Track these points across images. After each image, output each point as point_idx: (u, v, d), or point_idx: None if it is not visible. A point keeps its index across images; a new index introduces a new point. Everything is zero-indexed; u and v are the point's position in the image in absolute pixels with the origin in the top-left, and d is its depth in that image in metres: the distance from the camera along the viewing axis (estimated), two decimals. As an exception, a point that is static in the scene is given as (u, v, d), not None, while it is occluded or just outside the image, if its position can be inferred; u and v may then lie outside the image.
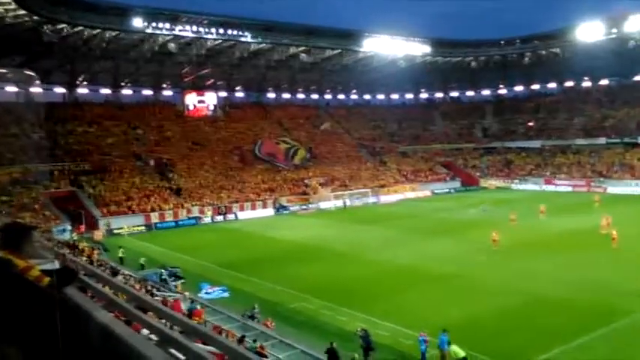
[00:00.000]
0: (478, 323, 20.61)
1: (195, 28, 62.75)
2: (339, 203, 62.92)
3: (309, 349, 17.42)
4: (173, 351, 4.60)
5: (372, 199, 66.28)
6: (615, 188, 62.47)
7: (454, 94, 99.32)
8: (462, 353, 16.56)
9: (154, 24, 59.79)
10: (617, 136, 72.30)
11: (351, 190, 67.32)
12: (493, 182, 75.70)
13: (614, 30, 69.38)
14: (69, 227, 45.47)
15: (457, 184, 77.86)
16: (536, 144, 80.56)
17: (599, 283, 25.04)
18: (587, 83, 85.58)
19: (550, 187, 68.98)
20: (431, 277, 28.30)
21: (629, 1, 66.42)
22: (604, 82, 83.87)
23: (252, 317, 20.57)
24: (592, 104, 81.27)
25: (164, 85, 77.53)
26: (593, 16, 72.03)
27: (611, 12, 71.09)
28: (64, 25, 55.62)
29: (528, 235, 38.24)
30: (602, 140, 73.38)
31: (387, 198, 67.49)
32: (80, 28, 57.10)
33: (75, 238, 41.35)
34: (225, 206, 58.24)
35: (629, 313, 20.75)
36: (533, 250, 33.13)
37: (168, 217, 54.47)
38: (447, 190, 74.36)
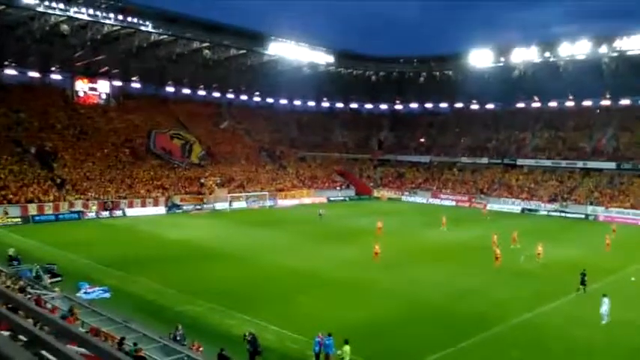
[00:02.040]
0: (362, 328, 21.18)
1: (92, 11, 59.13)
2: (238, 205, 62.34)
3: (193, 354, 16.90)
4: (44, 353, 4.21)
5: (269, 202, 66.25)
6: (495, 205, 67.52)
7: (354, 105, 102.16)
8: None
9: (46, 2, 55.57)
10: (498, 157, 78.40)
11: (248, 192, 66.81)
12: (385, 193, 78.86)
13: (502, 59, 75.26)
14: None
15: (352, 192, 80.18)
16: (425, 159, 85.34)
17: (476, 293, 26.90)
18: (475, 106, 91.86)
19: (436, 201, 73.28)
20: (321, 281, 28.75)
21: (516, 33, 72.27)
22: (490, 106, 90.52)
23: (175, 339, 19.15)
24: (478, 126, 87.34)
25: (53, 69, 72.08)
26: (484, 43, 77.80)
27: (500, 42, 77.33)
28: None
29: (415, 245, 40.26)
30: (485, 160, 79.20)
31: (284, 202, 67.84)
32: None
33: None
34: (112, 201, 55.30)
35: (502, 320, 22.40)
36: (419, 260, 34.87)
37: (48, 209, 50.73)
38: (342, 198, 76.35)
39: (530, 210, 65.22)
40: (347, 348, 17.16)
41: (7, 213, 47.23)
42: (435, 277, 30.19)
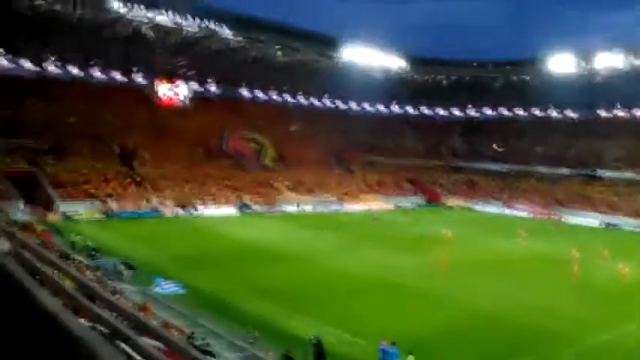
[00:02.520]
0: (424, 337, 20.77)
1: (172, 16, 61.84)
2: (306, 208, 63.00)
3: (259, 352, 17.25)
4: (119, 343, 4.42)
5: (336, 207, 66.45)
6: (573, 218, 64.29)
7: (426, 110, 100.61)
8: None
9: (130, 5, 58.60)
10: (578, 167, 74.62)
11: (316, 195, 67.34)
12: (456, 201, 76.89)
13: (584, 64, 71.76)
14: (21, 207, 43.97)
15: (420, 200, 78.79)
16: (500, 167, 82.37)
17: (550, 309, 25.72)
18: (553, 113, 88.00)
19: (510, 211, 70.56)
20: (384, 288, 28.47)
21: (600, 38, 68.94)
22: (569, 113, 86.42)
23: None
24: (556, 134, 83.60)
25: (135, 70, 75.88)
26: (564, 48, 74.43)
27: (582, 47, 73.75)
28: (41, 2, 54.00)
29: (486, 256, 39.06)
30: (563, 170, 75.59)
31: (351, 207, 67.77)
32: (51, 1, 55.57)
33: (29, 219, 40.02)
34: (187, 200, 57.36)
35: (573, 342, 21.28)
36: (488, 271, 33.77)
37: (128, 205, 53.31)
38: (411, 205, 75.11)
39: (611, 224, 61.57)
40: (411, 358, 16.90)
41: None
42: (504, 289, 29.10)
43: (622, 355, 20.19)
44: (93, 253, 31.53)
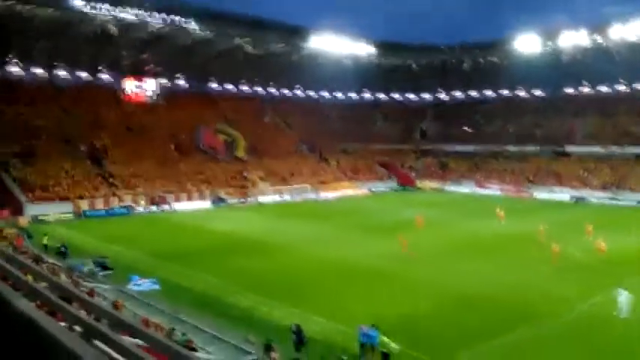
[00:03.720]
0: (405, 318, 21.15)
1: (137, 11, 60.75)
2: (282, 198, 62.95)
3: (240, 344, 17.28)
4: (98, 343, 4.40)
5: (311, 195, 66.62)
6: (543, 194, 65.74)
7: (396, 95, 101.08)
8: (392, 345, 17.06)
9: (93, 3, 57.40)
10: (547, 145, 76.10)
11: (291, 185, 67.35)
12: (428, 183, 77.84)
13: (549, 43, 72.90)
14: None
15: (394, 183, 79.59)
16: (470, 148, 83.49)
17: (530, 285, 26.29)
18: (521, 93, 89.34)
19: (481, 190, 71.74)
20: (364, 273, 28.70)
21: (563, 16, 70.00)
22: (538, 92, 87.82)
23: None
24: (525, 113, 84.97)
25: (101, 68, 74.27)
26: (530, 28, 75.47)
27: (547, 26, 74.80)
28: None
29: (460, 236, 39.67)
30: (533, 148, 77.01)
31: (327, 194, 68.02)
32: (12, 1, 53.97)
33: (-3, 223, 39.18)
34: (159, 196, 56.77)
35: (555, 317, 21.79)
36: (465, 252, 34.33)
37: (99, 205, 52.51)
38: (384, 189, 75.86)
39: (580, 199, 63.12)
40: (386, 339, 17.29)
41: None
42: (482, 269, 29.58)
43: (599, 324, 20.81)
44: (62, 250, 31.18)
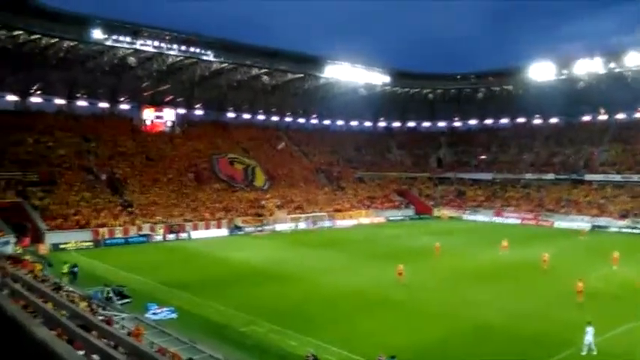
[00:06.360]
0: (424, 349, 20.87)
1: (156, 43, 62.27)
2: (298, 226, 63.11)
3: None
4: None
5: (327, 223, 66.56)
6: (562, 223, 64.87)
7: (411, 124, 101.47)
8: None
9: (114, 36, 59.03)
10: (565, 173, 75.43)
11: (307, 213, 67.41)
12: (446, 212, 77.29)
13: (564, 71, 72.95)
14: (13, 240, 43.56)
15: (411, 212, 79.17)
16: (487, 176, 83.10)
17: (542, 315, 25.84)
18: (537, 120, 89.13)
19: (499, 219, 71.00)
20: (379, 302, 28.50)
21: (578, 45, 70.15)
22: (553, 120, 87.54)
23: None
24: (541, 141, 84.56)
25: (121, 99, 75.97)
26: (544, 56, 75.69)
27: (561, 54, 75.02)
28: (20, 32, 54.22)
29: (477, 265, 39.22)
30: (550, 176, 76.36)
31: (343, 223, 67.90)
32: (37, 36, 55.82)
33: (18, 251, 39.70)
34: (177, 224, 57.14)
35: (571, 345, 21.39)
36: (480, 280, 33.91)
37: (118, 233, 52.94)
38: (401, 218, 75.43)
39: (600, 227, 62.12)
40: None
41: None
42: (498, 298, 29.20)
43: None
44: (74, 270, 32.41)
